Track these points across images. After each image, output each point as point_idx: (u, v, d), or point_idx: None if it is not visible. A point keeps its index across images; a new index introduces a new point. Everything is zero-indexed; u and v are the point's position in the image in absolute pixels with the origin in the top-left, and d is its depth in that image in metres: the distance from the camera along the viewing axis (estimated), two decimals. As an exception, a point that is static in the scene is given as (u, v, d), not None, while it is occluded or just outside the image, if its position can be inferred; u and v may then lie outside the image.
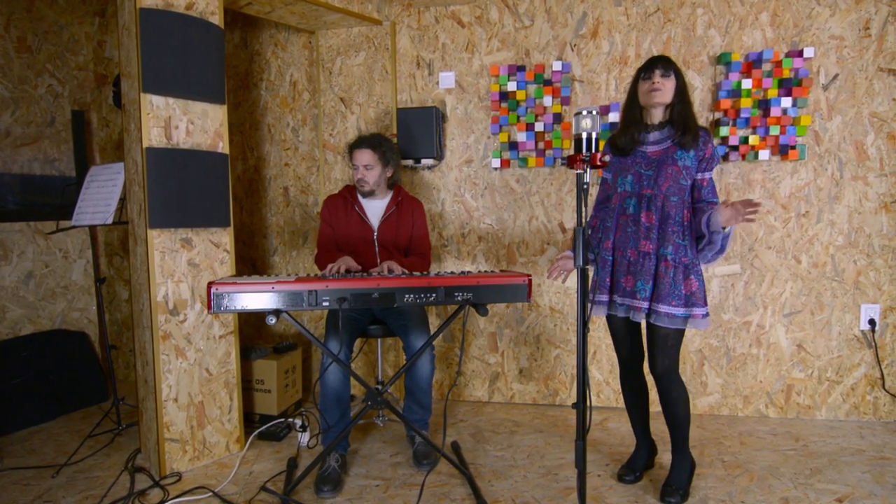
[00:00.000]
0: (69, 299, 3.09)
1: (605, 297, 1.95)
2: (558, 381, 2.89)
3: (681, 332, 1.85)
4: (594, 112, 1.50)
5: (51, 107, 3.05)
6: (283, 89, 3.15)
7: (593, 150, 1.48)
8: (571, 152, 1.72)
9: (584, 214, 1.50)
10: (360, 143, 2.32)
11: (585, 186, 1.50)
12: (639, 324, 2.00)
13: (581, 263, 1.49)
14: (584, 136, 1.50)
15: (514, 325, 2.92)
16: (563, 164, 2.76)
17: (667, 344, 1.85)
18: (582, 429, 1.52)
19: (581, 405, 1.50)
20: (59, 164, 3.08)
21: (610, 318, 2.00)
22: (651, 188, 1.85)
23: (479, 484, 2.04)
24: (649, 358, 1.91)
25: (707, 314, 1.83)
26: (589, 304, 1.54)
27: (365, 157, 2.29)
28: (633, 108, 1.91)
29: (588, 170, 1.50)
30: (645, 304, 1.84)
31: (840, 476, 2.09)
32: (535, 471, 2.17)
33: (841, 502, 1.91)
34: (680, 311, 1.80)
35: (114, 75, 3.23)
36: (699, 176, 1.86)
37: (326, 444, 2.16)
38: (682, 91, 1.84)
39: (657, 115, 1.88)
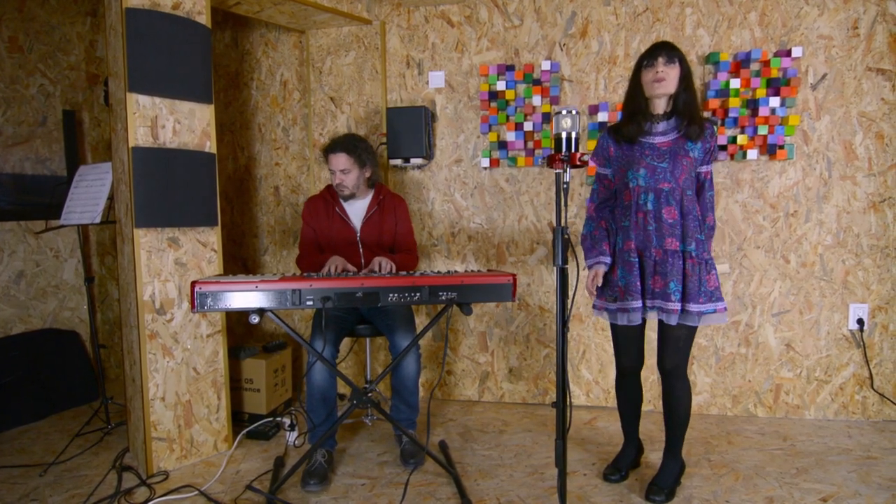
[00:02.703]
0: (60, 298, 3.10)
1: (638, 304, 1.81)
2: (548, 380, 2.89)
3: (693, 331, 1.82)
4: (574, 112, 1.51)
5: (42, 106, 3.06)
6: (273, 89, 3.15)
7: (573, 150, 1.49)
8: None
9: (563, 214, 1.50)
10: (334, 147, 2.28)
11: (565, 186, 1.51)
12: (643, 331, 1.94)
13: (560, 263, 1.49)
14: (564, 135, 1.50)
15: (504, 325, 2.92)
16: (543, 163, 2.76)
17: (678, 344, 1.82)
18: (562, 428, 1.52)
19: (560, 404, 1.51)
20: (50, 163, 3.08)
21: (614, 325, 1.93)
22: (669, 181, 1.78)
23: (465, 483, 2.05)
24: (658, 355, 1.88)
25: (726, 308, 1.82)
26: (568, 303, 1.54)
27: (341, 161, 2.27)
28: (637, 97, 1.83)
29: (568, 169, 1.50)
30: (678, 306, 1.76)
31: (826, 475, 2.10)
32: (522, 470, 2.17)
33: (825, 502, 1.91)
34: (708, 307, 1.77)
35: (105, 75, 3.23)
36: (703, 169, 1.82)
37: (313, 442, 2.17)
38: (686, 78, 1.77)
39: (661, 105, 1.81)
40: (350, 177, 2.30)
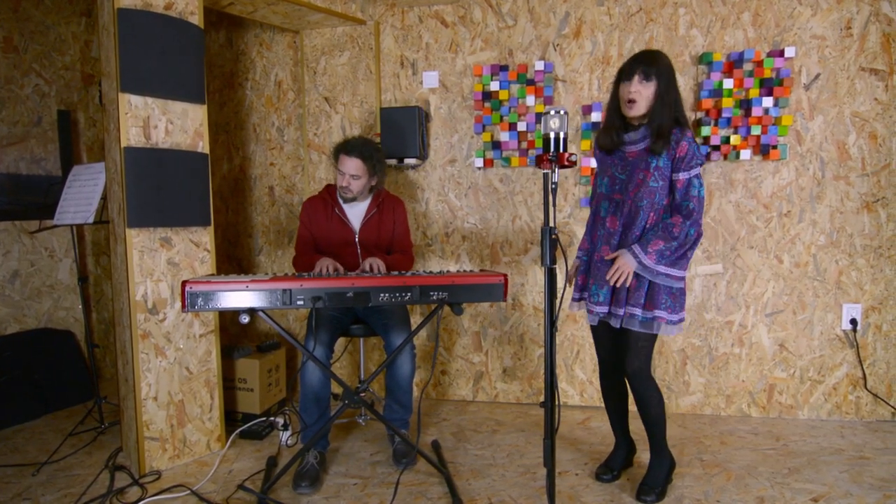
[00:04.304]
0: (55, 298, 3.11)
1: (577, 295, 2.01)
2: (542, 380, 2.89)
3: (651, 335, 1.83)
4: (562, 112, 1.51)
5: (37, 106, 3.06)
6: (268, 89, 3.16)
7: (561, 150, 1.49)
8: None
9: (552, 214, 1.50)
10: (351, 150, 2.25)
11: (553, 186, 1.51)
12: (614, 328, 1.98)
13: (548, 263, 1.49)
14: (553, 135, 1.51)
15: (498, 325, 2.92)
16: (530, 164, 2.78)
17: (637, 344, 1.84)
18: (550, 428, 1.52)
19: (549, 403, 1.51)
20: (45, 163, 3.09)
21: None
22: (621, 193, 1.84)
23: (456, 483, 2.05)
24: (622, 359, 1.91)
25: (640, 317, 1.78)
26: (557, 303, 1.54)
27: (354, 166, 2.25)
28: (614, 108, 1.85)
29: (556, 169, 1.50)
30: (599, 309, 1.87)
31: (818, 475, 2.10)
32: (514, 470, 2.17)
33: (816, 502, 1.91)
34: (627, 310, 1.82)
35: (100, 75, 3.24)
36: (674, 177, 1.76)
37: (305, 442, 2.17)
38: (663, 95, 1.73)
39: (637, 117, 1.81)
40: (358, 183, 2.29)
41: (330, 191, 2.43)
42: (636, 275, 1.79)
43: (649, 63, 1.73)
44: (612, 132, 1.86)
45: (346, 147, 2.27)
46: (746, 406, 2.70)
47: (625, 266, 1.77)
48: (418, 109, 2.78)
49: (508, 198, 2.85)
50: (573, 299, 2.02)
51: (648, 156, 1.79)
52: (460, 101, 2.87)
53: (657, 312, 1.78)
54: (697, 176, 1.76)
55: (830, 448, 2.33)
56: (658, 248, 1.75)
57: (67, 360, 3.01)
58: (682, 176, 1.76)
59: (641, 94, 1.73)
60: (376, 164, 2.30)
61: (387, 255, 2.37)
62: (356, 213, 2.39)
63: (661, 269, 1.76)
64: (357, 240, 2.36)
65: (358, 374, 3.04)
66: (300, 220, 2.42)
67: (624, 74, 1.77)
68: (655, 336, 1.84)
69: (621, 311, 1.82)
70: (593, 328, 2.02)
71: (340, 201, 2.38)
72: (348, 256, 2.34)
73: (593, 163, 2.72)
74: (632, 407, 2.13)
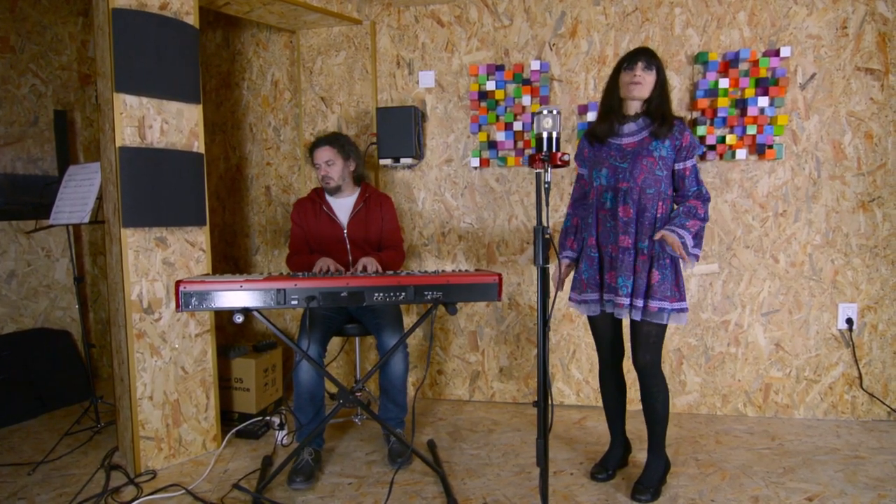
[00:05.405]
0: (52, 298, 3.11)
1: (595, 296, 1.91)
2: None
3: (662, 328, 1.84)
4: (555, 112, 1.51)
5: (34, 106, 3.06)
6: (264, 89, 3.16)
7: (553, 150, 1.49)
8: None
9: (544, 213, 1.50)
10: (318, 142, 2.37)
11: (546, 186, 1.51)
12: (619, 321, 1.98)
13: (541, 263, 1.49)
14: (545, 135, 1.51)
15: (495, 325, 2.92)
16: (524, 164, 2.78)
17: (648, 340, 1.85)
18: (543, 427, 1.52)
19: (542, 403, 1.51)
20: (42, 163, 3.09)
21: (589, 317, 1.99)
22: (627, 181, 1.83)
23: (451, 482, 2.05)
24: (632, 352, 1.91)
25: (669, 310, 1.79)
26: (551, 302, 1.54)
27: (325, 153, 2.33)
28: (613, 96, 1.90)
29: (549, 169, 1.50)
30: (626, 301, 1.82)
31: (813, 475, 2.10)
32: (509, 469, 2.17)
33: (811, 501, 1.91)
34: (662, 304, 1.80)
35: (97, 75, 3.24)
36: (679, 166, 1.85)
37: (300, 441, 2.17)
38: (662, 85, 1.84)
39: (634, 107, 1.87)
40: (335, 168, 2.34)
41: (318, 192, 2.46)
42: (661, 267, 1.81)
43: (651, 55, 1.83)
44: (611, 117, 1.90)
45: (314, 142, 2.39)
46: (742, 405, 2.70)
47: (676, 240, 1.75)
48: (414, 109, 2.78)
49: (504, 197, 2.86)
50: (592, 301, 1.92)
51: (650, 144, 1.83)
52: (456, 101, 2.87)
53: (683, 304, 1.83)
54: (695, 162, 1.89)
55: (826, 448, 2.34)
56: (696, 229, 1.80)
57: (64, 359, 3.01)
58: (689, 164, 1.86)
59: (645, 79, 1.81)
60: (345, 145, 2.38)
61: (378, 253, 2.37)
62: (343, 209, 2.41)
63: (695, 250, 1.81)
64: (346, 235, 2.38)
65: (354, 373, 3.04)
66: (292, 221, 2.45)
67: (626, 63, 1.84)
68: (665, 328, 1.86)
69: (641, 303, 1.82)
70: (596, 325, 2.00)
71: (328, 198, 2.42)
72: (338, 253, 2.35)
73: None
74: (629, 406, 2.14)
